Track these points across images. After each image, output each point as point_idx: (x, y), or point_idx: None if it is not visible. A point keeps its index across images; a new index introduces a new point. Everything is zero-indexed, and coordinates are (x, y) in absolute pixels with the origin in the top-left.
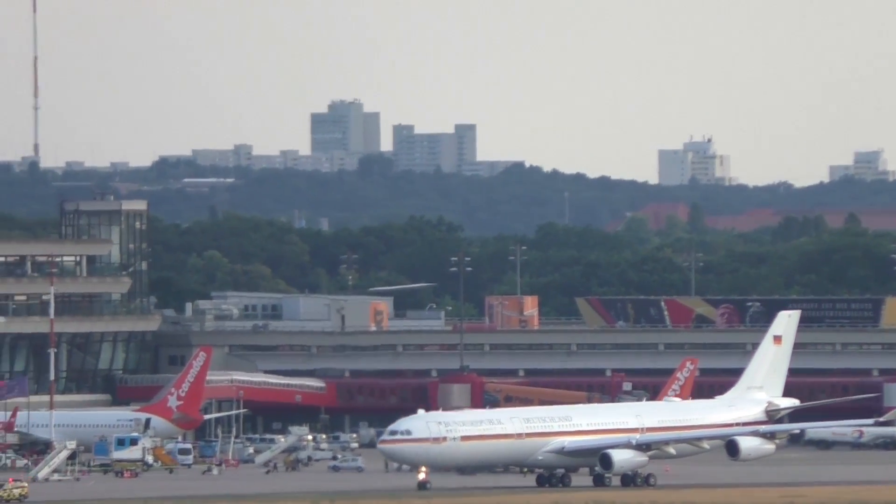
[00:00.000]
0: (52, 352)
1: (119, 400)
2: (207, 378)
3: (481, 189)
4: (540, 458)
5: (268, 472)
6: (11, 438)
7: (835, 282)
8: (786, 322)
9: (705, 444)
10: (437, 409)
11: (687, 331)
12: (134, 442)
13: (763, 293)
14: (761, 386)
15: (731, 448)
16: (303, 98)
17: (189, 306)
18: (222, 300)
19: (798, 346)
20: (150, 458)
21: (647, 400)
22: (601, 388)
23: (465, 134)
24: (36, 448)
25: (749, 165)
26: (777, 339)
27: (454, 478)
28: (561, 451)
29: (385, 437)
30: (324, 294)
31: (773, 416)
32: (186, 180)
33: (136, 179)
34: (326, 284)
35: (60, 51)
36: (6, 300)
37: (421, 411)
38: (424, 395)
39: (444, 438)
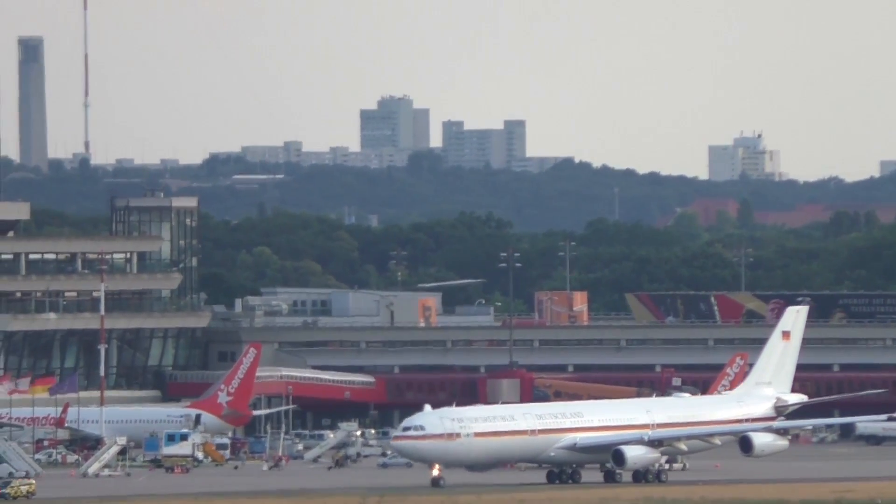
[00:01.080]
0: (102, 348)
1: (169, 396)
2: (257, 374)
3: (531, 185)
4: (552, 454)
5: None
6: (62, 434)
7: (886, 277)
8: (794, 317)
9: (717, 440)
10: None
11: (737, 326)
12: (184, 438)
13: (813, 289)
14: (770, 382)
15: (745, 444)
16: (352, 94)
17: (239, 302)
18: (272, 296)
19: (849, 342)
20: (200, 454)
21: (699, 395)
22: (651, 384)
23: (514, 130)
24: (86, 444)
25: (799, 160)
26: (786, 334)
27: (465, 474)
28: (573, 448)
29: (398, 433)
30: (373, 290)
31: (781, 411)
32: (236, 177)
33: (187, 176)
34: (376, 280)
35: (111, 48)
36: (57, 297)
37: (427, 407)
38: (473, 391)
39: (458, 435)
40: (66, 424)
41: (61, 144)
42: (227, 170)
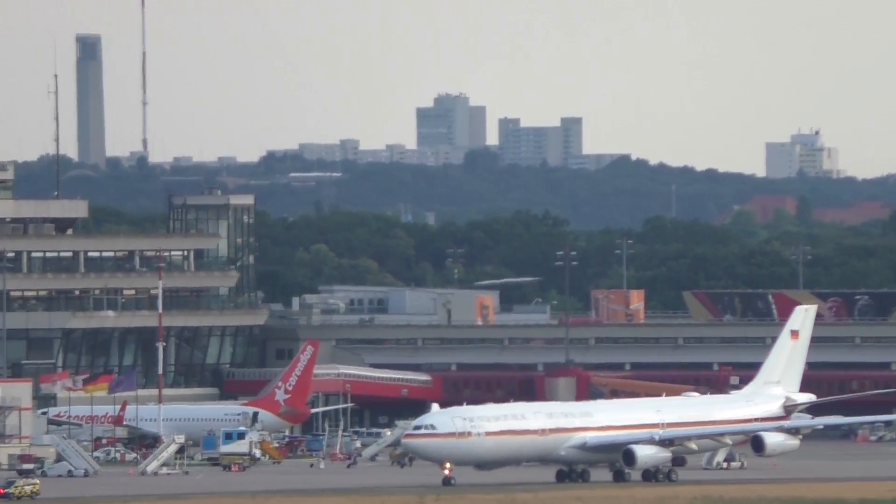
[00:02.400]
0: (160, 346)
1: (227, 394)
2: (314, 372)
3: (587, 182)
4: (562, 453)
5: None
6: (120, 432)
7: None
8: (803, 316)
9: (727, 440)
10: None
11: None
12: (241, 436)
13: (872, 287)
14: (779, 381)
15: (757, 444)
16: (409, 92)
17: (296, 300)
18: (329, 294)
19: None
20: (257, 452)
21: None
22: (708, 382)
23: (571, 127)
24: (145, 442)
25: (857, 158)
26: (794, 333)
27: (475, 473)
28: (583, 447)
29: (409, 431)
30: (430, 288)
31: (790, 411)
32: (293, 175)
33: (244, 174)
34: (432, 278)
35: (169, 46)
36: (115, 294)
37: (435, 406)
38: (530, 389)
39: (469, 434)
40: (125, 422)
41: (119, 142)
42: (284, 167)
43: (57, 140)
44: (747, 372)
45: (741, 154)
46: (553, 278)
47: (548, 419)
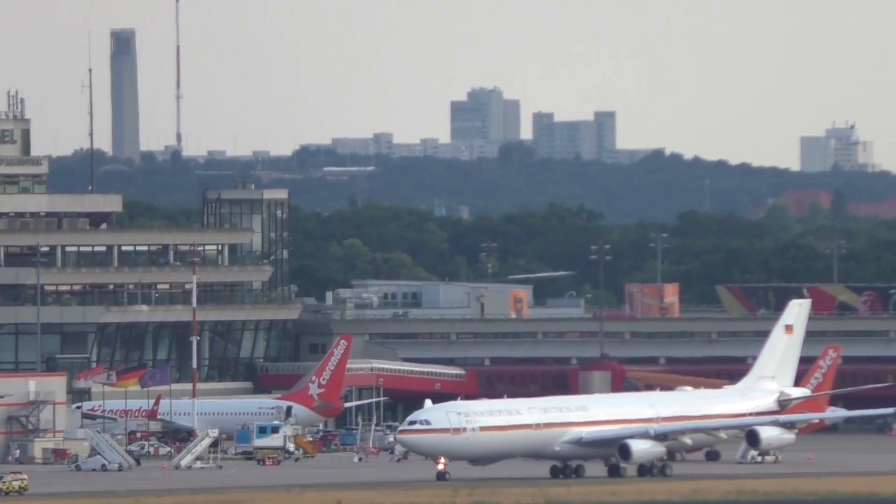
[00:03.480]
0: (194, 340)
1: (260, 388)
2: (348, 366)
3: (621, 176)
4: (557, 448)
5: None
6: (155, 426)
7: None
8: (797, 311)
9: (722, 434)
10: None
11: (829, 318)
12: (275, 430)
13: None
14: (773, 375)
15: (752, 438)
16: (443, 86)
17: (329, 295)
18: (363, 288)
19: None
20: (291, 446)
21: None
22: (742, 377)
23: (604, 121)
24: (178, 436)
25: (893, 151)
26: (788, 328)
27: (468, 468)
28: (578, 442)
29: (404, 427)
30: (463, 282)
31: (784, 405)
32: (327, 169)
33: (278, 168)
34: (466, 272)
35: (203, 40)
36: (149, 289)
37: (428, 402)
38: (564, 383)
39: (464, 429)
40: (159, 416)
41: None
42: (317, 162)
43: (91, 134)
44: None
45: (776, 148)
46: (587, 272)
47: (542, 414)
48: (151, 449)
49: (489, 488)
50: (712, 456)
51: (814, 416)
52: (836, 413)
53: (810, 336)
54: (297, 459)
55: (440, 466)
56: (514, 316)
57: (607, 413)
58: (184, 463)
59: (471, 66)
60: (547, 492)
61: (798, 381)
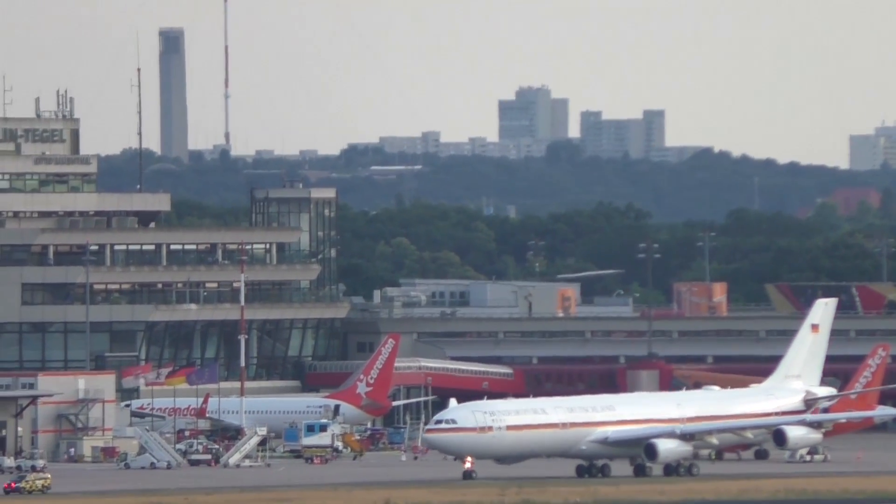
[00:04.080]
0: (242, 338)
1: (308, 386)
2: (396, 365)
3: (670, 175)
4: (584, 447)
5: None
6: (203, 424)
7: None
8: (822, 310)
9: (749, 434)
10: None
11: (879, 317)
12: (323, 428)
13: None
14: (799, 375)
15: (779, 437)
16: (491, 85)
17: (377, 293)
18: (410, 287)
19: None
20: (339, 445)
21: (839, 388)
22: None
23: (653, 120)
24: (227, 434)
25: None
26: (814, 327)
27: (494, 467)
28: (604, 442)
29: (431, 426)
30: (511, 281)
31: (810, 404)
32: (374, 168)
33: (325, 167)
34: (514, 271)
35: (251, 39)
36: (197, 287)
37: (453, 401)
38: (612, 382)
39: (490, 428)
40: (207, 415)
41: (202, 136)
42: (365, 161)
43: (140, 134)
44: (830, 365)
45: (824, 146)
46: (635, 271)
47: (568, 413)
48: (200, 447)
49: (537, 487)
50: (761, 454)
51: (840, 416)
52: (862, 413)
53: (859, 335)
54: (355, 458)
55: (467, 465)
56: (561, 315)
57: (633, 412)
58: (232, 461)
59: (519, 64)
60: (596, 490)
61: (847, 381)
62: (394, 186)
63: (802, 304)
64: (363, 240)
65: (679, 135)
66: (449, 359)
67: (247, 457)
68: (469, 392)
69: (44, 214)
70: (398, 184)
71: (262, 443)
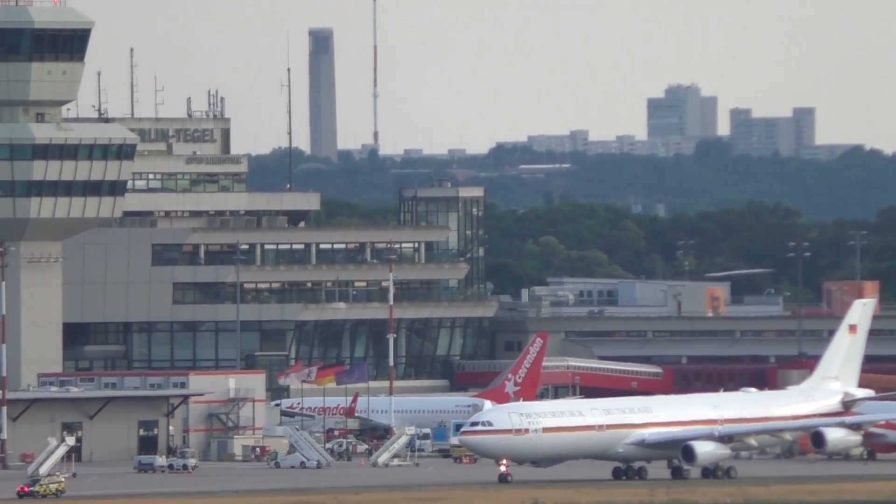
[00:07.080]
0: (391, 337)
1: (457, 385)
2: (544, 364)
3: (820, 173)
4: (620, 450)
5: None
6: (352, 423)
7: None
8: (861, 311)
9: (788, 436)
10: None
11: None
12: None
13: None
14: (837, 376)
15: (818, 439)
16: (640, 83)
17: (525, 292)
18: (558, 286)
19: None
20: None
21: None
22: None
23: (803, 117)
24: (376, 433)
25: None
26: (852, 328)
27: (529, 469)
28: (642, 444)
29: (466, 428)
30: (660, 280)
31: (849, 406)
32: (522, 166)
33: (473, 166)
34: (662, 270)
35: (399, 39)
36: (347, 286)
37: (488, 403)
38: (762, 382)
39: (526, 430)
40: (356, 414)
41: (350, 135)
42: (513, 159)
43: (290, 133)
44: None
45: None
46: (785, 270)
47: (605, 415)
48: (349, 446)
49: (686, 488)
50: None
51: (880, 417)
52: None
53: None
54: None
55: (502, 468)
56: (711, 314)
57: (670, 414)
58: (381, 460)
59: (668, 62)
60: (746, 491)
61: None
62: (542, 185)
63: None
64: (511, 239)
65: (829, 132)
66: (597, 358)
67: (395, 456)
68: (618, 392)
69: (195, 214)
70: (546, 182)
71: (411, 442)
